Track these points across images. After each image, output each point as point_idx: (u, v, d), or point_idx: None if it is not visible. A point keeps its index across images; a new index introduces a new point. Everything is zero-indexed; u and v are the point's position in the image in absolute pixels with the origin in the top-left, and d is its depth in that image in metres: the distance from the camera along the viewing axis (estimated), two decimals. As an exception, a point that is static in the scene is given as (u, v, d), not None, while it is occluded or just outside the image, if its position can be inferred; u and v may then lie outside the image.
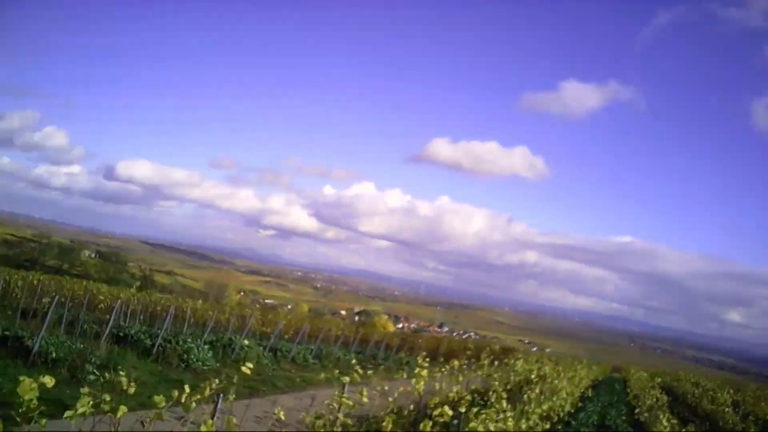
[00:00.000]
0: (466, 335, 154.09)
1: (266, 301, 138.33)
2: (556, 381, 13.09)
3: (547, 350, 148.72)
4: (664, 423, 8.16)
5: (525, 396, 9.85)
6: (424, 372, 10.90)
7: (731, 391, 32.56)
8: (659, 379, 20.27)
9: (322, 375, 13.97)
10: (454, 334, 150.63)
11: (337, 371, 9.15)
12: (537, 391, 10.92)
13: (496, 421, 7.15)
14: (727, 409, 16.70)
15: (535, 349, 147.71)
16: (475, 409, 7.73)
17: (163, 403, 4.11)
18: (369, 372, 10.93)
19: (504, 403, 7.83)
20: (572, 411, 16.45)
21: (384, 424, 5.50)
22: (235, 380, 5.05)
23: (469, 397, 7.04)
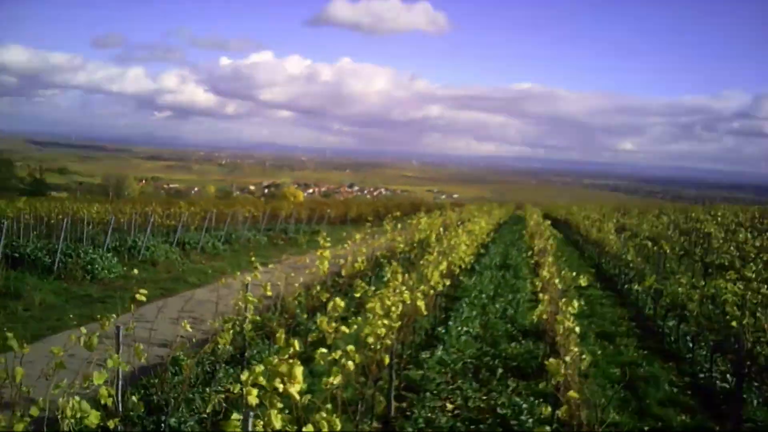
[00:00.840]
0: (377, 192, 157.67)
1: (170, 186, 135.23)
2: (454, 239, 13.82)
3: (455, 196, 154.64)
4: (544, 271, 8.98)
5: (422, 261, 10.40)
6: (327, 253, 11.35)
7: (619, 215, 35.49)
8: (548, 221, 21.77)
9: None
10: (365, 192, 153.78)
11: (239, 268, 9.39)
12: (435, 253, 11.51)
13: (393, 296, 7.58)
14: (611, 236, 18.37)
15: (443, 197, 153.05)
16: (372, 288, 8.23)
17: (62, 352, 4.04)
18: (271, 264, 11.30)
19: (399, 277, 8.27)
20: (473, 259, 17.57)
21: (221, 346, 5.83)
22: (133, 311, 5.11)
23: (363, 284, 7.43)
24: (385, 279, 8.16)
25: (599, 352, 9.31)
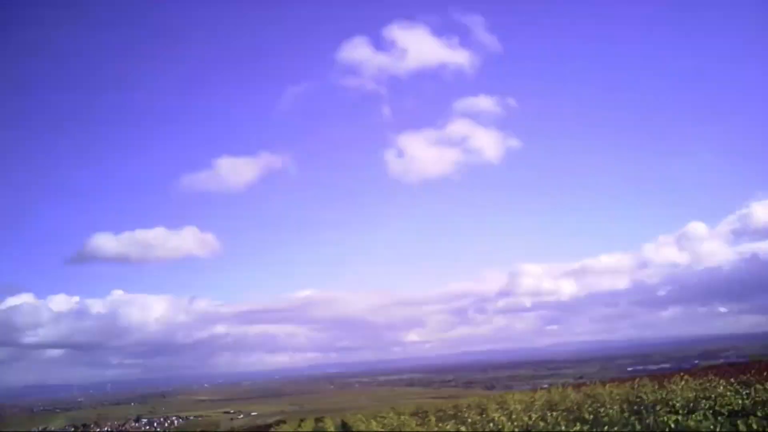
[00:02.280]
0: (168, 422, 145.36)
1: None
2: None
3: (253, 414, 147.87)
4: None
5: None
6: None
7: (419, 424, 36.17)
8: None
9: None
10: (155, 424, 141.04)
11: None
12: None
13: None
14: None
15: (241, 416, 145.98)
16: None
17: None
18: None
19: None
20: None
21: None
22: None
23: None
24: None
25: None
